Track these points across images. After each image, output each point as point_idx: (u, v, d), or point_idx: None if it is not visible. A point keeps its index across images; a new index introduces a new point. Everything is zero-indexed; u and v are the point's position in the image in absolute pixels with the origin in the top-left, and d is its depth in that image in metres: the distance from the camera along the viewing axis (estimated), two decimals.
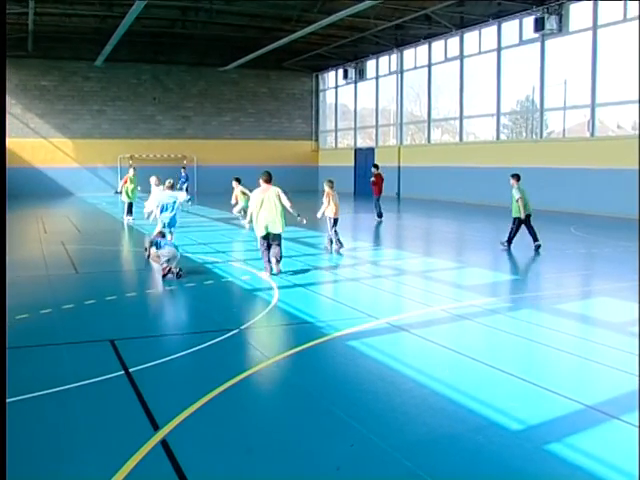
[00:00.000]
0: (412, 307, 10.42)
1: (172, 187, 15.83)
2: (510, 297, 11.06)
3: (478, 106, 34.44)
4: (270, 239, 12.58)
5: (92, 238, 20.07)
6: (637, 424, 5.64)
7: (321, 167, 47.90)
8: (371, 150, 42.70)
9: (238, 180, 22.00)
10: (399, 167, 39.25)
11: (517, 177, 16.74)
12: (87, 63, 41.89)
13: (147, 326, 9.31)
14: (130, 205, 23.90)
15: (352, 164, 44.24)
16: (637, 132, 24.62)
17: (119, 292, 11.26)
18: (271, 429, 5.66)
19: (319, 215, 16.26)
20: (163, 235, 13.31)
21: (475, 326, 9.09)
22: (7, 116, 41.67)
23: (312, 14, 30.93)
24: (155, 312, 10.59)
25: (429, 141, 38.10)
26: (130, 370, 7.04)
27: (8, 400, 6.16)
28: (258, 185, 12.88)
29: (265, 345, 8.19)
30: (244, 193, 21.18)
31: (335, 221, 16.05)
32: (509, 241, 16.30)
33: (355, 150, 44.58)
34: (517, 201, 16.22)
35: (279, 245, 12.74)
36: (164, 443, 5.26)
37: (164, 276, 12.35)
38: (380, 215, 23.71)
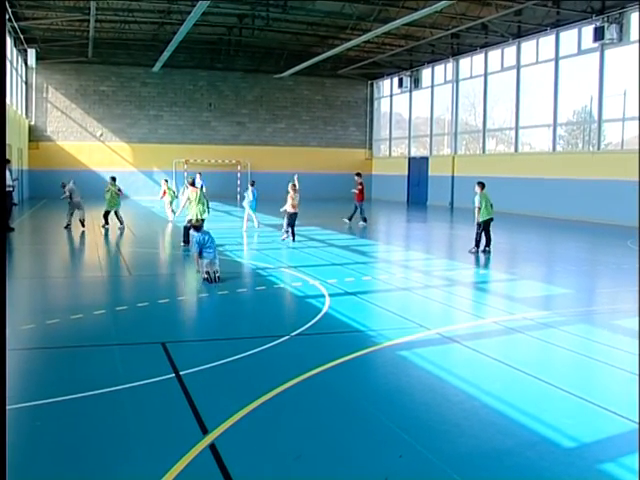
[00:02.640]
0: (464, 318, 10.30)
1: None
2: (564, 311, 10.86)
3: (534, 116, 34.01)
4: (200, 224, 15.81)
5: (146, 241, 20.33)
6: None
7: (374, 175, 47.82)
8: (425, 159, 42.51)
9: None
10: (453, 177, 38.99)
11: (482, 185, 17.62)
12: (145, 69, 42.64)
13: (198, 330, 9.38)
14: (107, 213, 23.09)
15: (406, 173, 44.08)
16: None
17: (171, 295, 11.38)
18: (320, 437, 5.64)
19: (282, 210, 19.91)
20: (197, 229, 13.43)
21: (528, 340, 8.94)
22: (67, 120, 42.61)
23: (368, 22, 30.95)
24: (206, 316, 10.66)
25: (484, 151, 37.76)
26: (181, 373, 7.09)
27: (60, 399, 6.28)
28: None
29: (315, 352, 8.16)
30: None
31: (291, 215, 19.46)
32: (477, 245, 17.41)
33: (409, 159, 44.40)
34: (475, 209, 17.44)
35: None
36: (212, 447, 5.28)
37: (206, 280, 12.53)
38: (365, 220, 25.35)
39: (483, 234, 17.43)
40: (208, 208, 16.97)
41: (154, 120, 44.26)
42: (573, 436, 5.63)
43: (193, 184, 17.74)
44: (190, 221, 16.63)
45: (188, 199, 16.93)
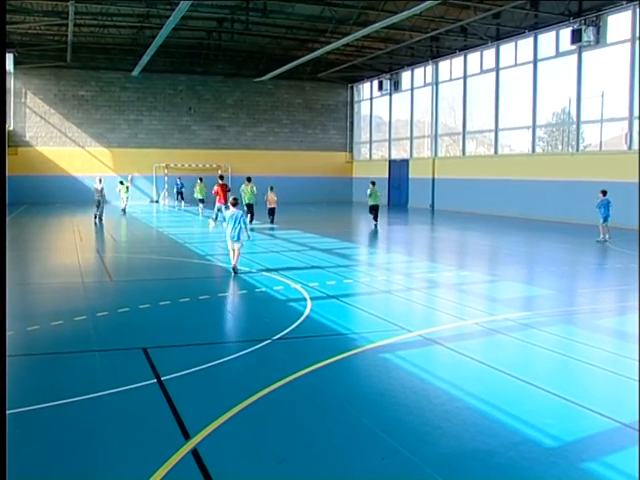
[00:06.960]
0: (445, 320, 10.32)
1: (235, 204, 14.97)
2: (545, 312, 10.92)
3: (513, 118, 34.21)
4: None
5: (127, 246, 20.23)
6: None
7: (355, 178, 47.90)
8: (405, 162, 42.61)
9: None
10: (433, 179, 39.11)
11: (373, 183, 26.11)
12: (124, 73, 42.45)
13: (180, 335, 9.34)
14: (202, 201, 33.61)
15: (386, 175, 44.15)
16: None
17: (153, 300, 11.33)
18: (302, 440, 5.63)
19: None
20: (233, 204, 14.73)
21: (509, 340, 8.98)
22: (46, 125, 42.34)
23: (347, 26, 31.01)
24: (188, 321, 10.60)
25: (464, 153, 37.91)
26: (162, 378, 7.06)
27: (42, 406, 6.24)
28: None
29: (297, 356, 8.16)
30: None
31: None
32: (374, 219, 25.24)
33: (389, 162, 44.50)
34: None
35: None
36: (195, 452, 5.26)
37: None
38: (216, 219, 26.38)
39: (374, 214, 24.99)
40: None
41: (134, 125, 44.07)
42: (554, 435, 5.66)
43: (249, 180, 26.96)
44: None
45: (243, 191, 26.24)
